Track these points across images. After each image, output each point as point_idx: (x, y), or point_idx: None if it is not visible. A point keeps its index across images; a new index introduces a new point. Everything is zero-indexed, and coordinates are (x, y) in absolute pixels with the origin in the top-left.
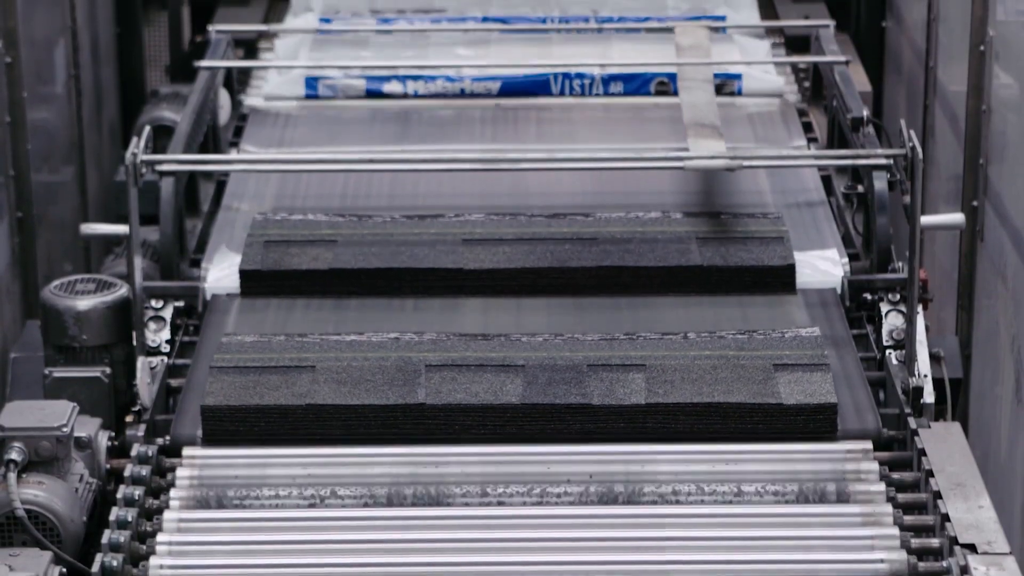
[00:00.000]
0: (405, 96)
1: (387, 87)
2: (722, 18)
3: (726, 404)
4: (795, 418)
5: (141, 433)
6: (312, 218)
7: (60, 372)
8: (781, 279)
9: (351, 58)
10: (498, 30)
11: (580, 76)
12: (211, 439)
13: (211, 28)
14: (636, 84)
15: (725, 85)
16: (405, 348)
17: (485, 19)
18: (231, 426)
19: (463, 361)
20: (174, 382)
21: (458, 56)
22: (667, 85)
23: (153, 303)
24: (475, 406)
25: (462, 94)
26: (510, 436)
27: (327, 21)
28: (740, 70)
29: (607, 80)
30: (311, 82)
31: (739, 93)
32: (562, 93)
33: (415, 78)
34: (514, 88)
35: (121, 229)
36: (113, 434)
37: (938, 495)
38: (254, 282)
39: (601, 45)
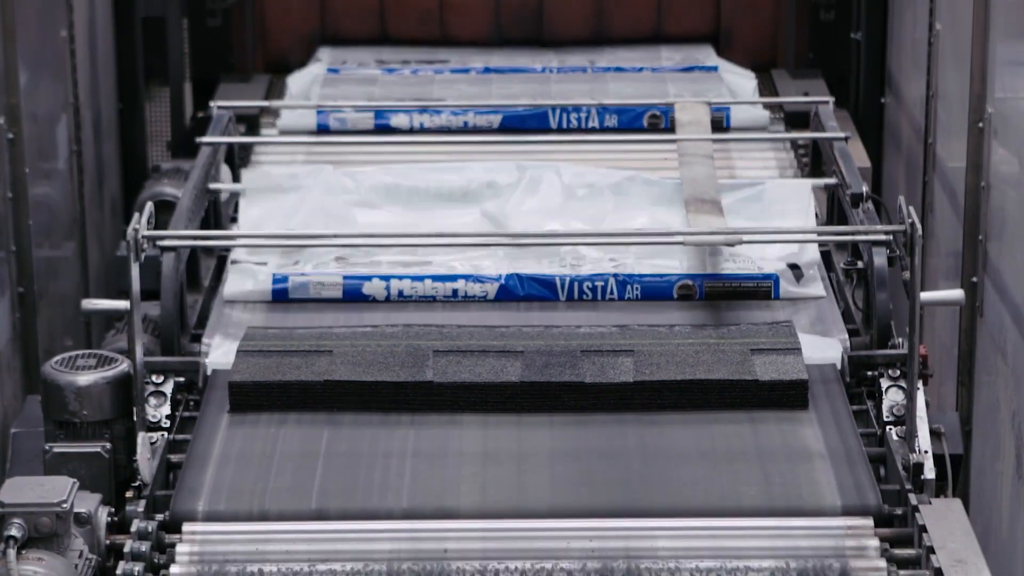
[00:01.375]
0: (411, 131)
1: (394, 121)
2: (714, 68)
3: (707, 381)
4: (770, 393)
5: (141, 509)
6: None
7: (60, 447)
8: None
9: (361, 95)
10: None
11: (576, 110)
12: (237, 411)
13: (213, 104)
14: (629, 117)
15: (714, 119)
16: (415, 337)
17: (487, 70)
18: (255, 400)
19: (467, 348)
20: (174, 457)
21: (461, 92)
22: (659, 119)
23: (154, 378)
24: (478, 384)
25: (465, 127)
26: (509, 411)
27: (334, 71)
28: (728, 105)
29: (602, 113)
30: (322, 116)
31: (727, 126)
32: (560, 126)
33: (421, 111)
34: (515, 121)
35: (122, 305)
36: (113, 510)
37: (939, 572)
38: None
39: (597, 83)
